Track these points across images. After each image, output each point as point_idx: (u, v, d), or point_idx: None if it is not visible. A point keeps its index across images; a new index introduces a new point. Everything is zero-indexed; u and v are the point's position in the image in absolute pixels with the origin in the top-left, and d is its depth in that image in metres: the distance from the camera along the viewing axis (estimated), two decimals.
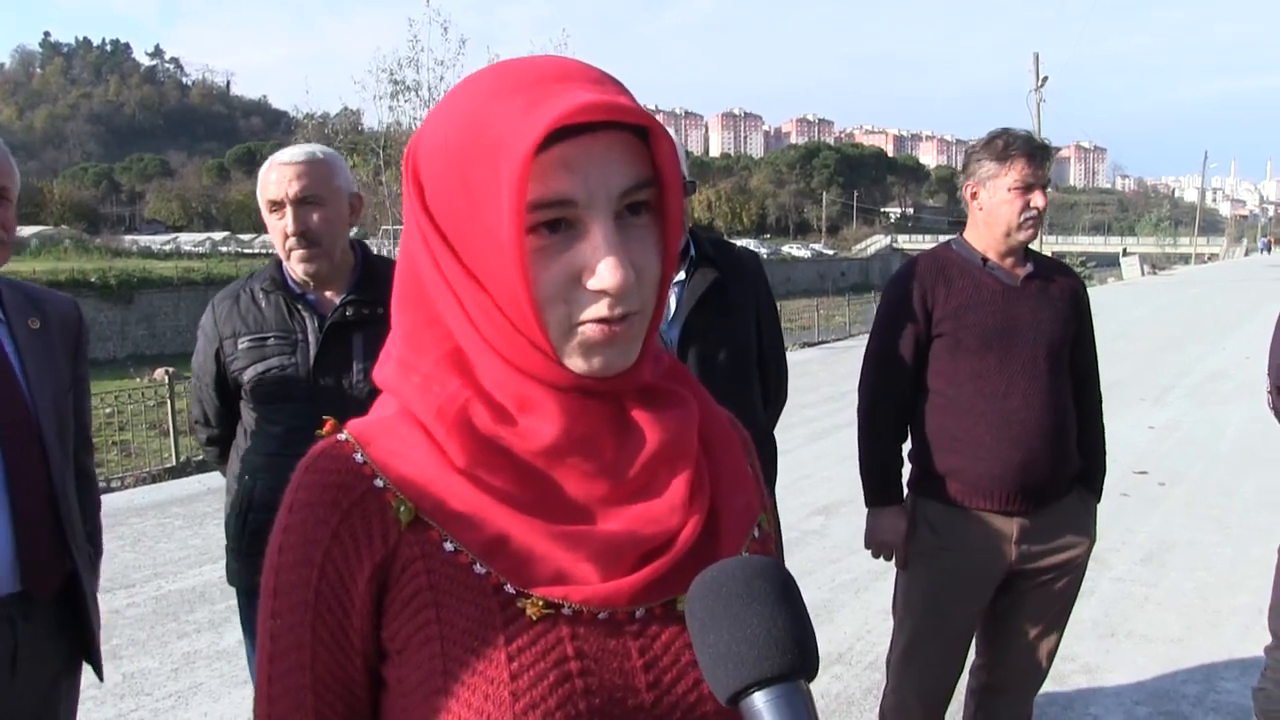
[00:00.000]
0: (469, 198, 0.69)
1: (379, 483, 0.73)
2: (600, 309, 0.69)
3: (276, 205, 2.10)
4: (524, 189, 0.65)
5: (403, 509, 0.72)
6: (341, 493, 0.73)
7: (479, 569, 0.72)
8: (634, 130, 0.70)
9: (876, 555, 2.52)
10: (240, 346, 2.16)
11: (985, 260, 2.36)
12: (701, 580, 0.64)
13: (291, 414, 2.09)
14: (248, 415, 2.21)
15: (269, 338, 2.15)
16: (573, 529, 0.72)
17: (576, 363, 0.71)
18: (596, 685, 0.71)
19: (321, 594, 0.73)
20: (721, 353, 2.20)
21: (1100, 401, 2.52)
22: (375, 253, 2.31)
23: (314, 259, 2.11)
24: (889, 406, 2.45)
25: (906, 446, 2.50)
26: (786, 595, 0.62)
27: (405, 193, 0.75)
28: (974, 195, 2.36)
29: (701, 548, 0.75)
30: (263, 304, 2.18)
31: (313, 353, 2.12)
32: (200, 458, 7.67)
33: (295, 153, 2.14)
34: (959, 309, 2.32)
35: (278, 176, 2.10)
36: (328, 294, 2.18)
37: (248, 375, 2.14)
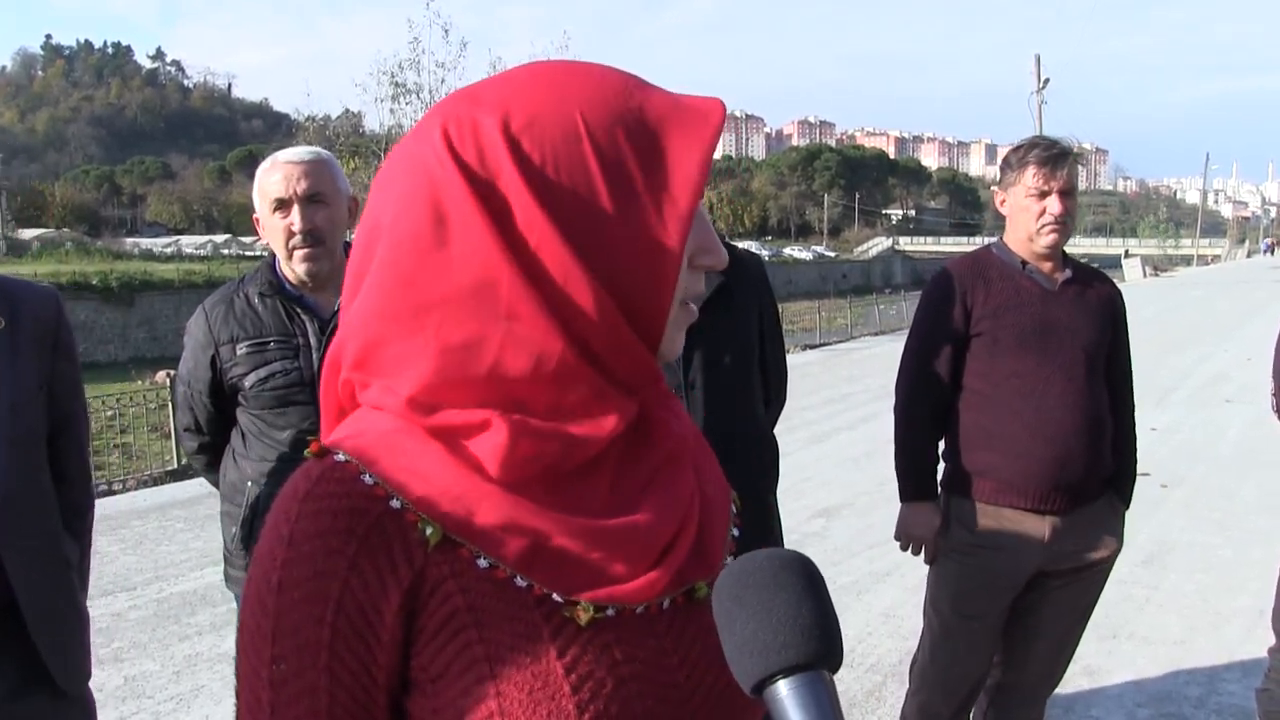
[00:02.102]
0: (617, 192, 0.68)
1: (395, 503, 0.68)
2: (699, 286, 0.74)
3: (282, 204, 2.09)
4: (701, 188, 0.68)
5: (429, 529, 0.67)
6: (355, 518, 0.67)
7: (520, 582, 0.68)
8: None
9: (906, 549, 2.54)
10: (239, 352, 2.12)
11: (1024, 264, 2.40)
12: (729, 571, 0.63)
13: (298, 419, 2.08)
14: (248, 421, 2.17)
15: (269, 342, 2.12)
16: (600, 524, 0.70)
17: (667, 348, 0.74)
18: (647, 686, 0.70)
19: (339, 631, 0.66)
20: (726, 355, 2.22)
21: (1133, 410, 2.53)
22: None
23: (318, 258, 2.10)
24: (926, 404, 2.47)
25: (941, 445, 2.52)
26: (812, 586, 0.62)
27: (481, 173, 0.67)
28: (1002, 201, 2.44)
29: (703, 535, 0.78)
30: (260, 308, 2.15)
31: (315, 356, 2.10)
32: None
33: (300, 152, 2.14)
34: (997, 309, 2.36)
35: (283, 175, 2.09)
36: (325, 297, 2.16)
37: (249, 381, 2.11)
